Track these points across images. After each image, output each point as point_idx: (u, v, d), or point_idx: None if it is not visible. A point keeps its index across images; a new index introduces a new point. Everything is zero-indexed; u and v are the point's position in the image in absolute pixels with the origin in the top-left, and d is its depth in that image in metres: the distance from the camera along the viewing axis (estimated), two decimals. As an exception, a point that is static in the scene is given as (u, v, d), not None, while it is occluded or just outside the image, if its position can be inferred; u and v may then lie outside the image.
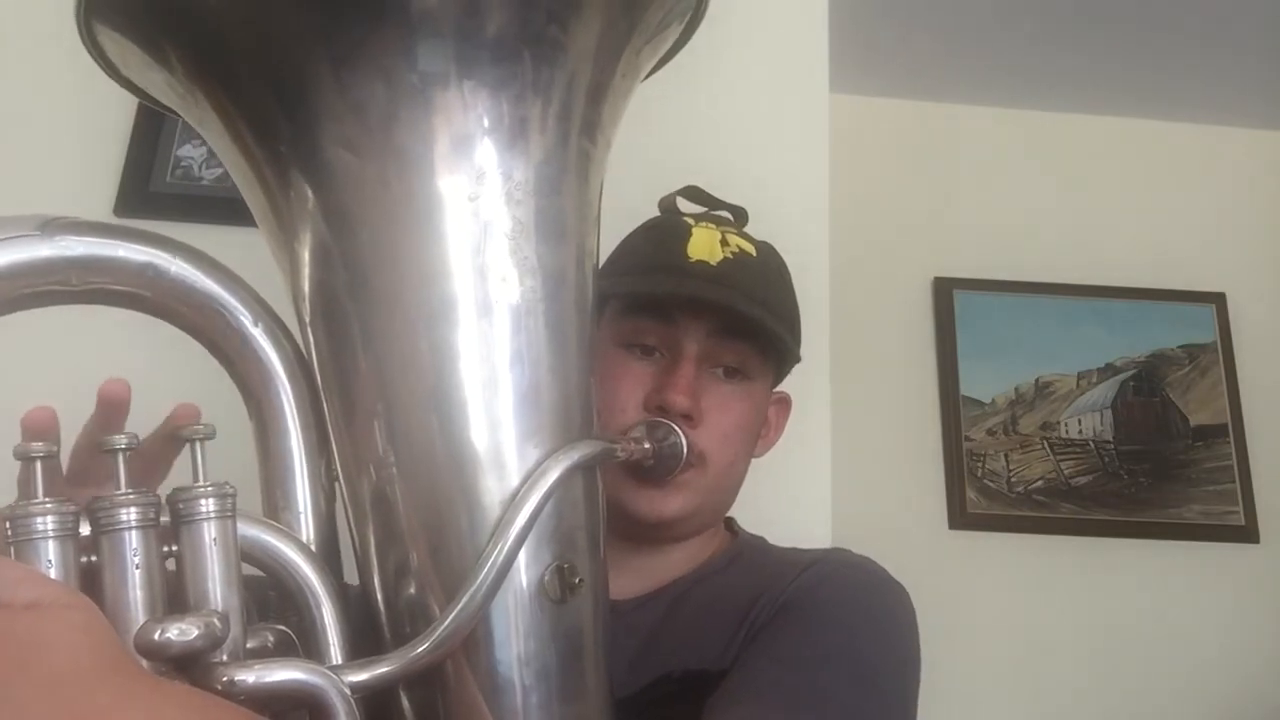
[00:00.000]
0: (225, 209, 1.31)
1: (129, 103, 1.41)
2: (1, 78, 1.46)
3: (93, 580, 0.48)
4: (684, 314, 0.83)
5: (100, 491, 0.54)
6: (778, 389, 0.95)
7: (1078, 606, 2.14)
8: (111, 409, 0.60)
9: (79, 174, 1.41)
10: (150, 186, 1.42)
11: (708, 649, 0.77)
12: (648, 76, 0.71)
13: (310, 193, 0.57)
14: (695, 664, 0.77)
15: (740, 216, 0.96)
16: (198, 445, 0.53)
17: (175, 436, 0.58)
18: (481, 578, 0.54)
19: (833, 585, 0.80)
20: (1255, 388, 2.31)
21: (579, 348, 0.62)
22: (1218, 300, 2.37)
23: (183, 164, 1.44)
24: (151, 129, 1.44)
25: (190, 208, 1.38)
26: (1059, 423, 2.28)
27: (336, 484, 0.61)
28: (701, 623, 0.80)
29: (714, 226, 0.88)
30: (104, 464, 0.55)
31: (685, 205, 0.95)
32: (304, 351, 0.61)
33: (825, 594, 0.78)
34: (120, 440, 0.50)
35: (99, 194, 1.39)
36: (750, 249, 0.88)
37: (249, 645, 0.53)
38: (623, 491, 0.79)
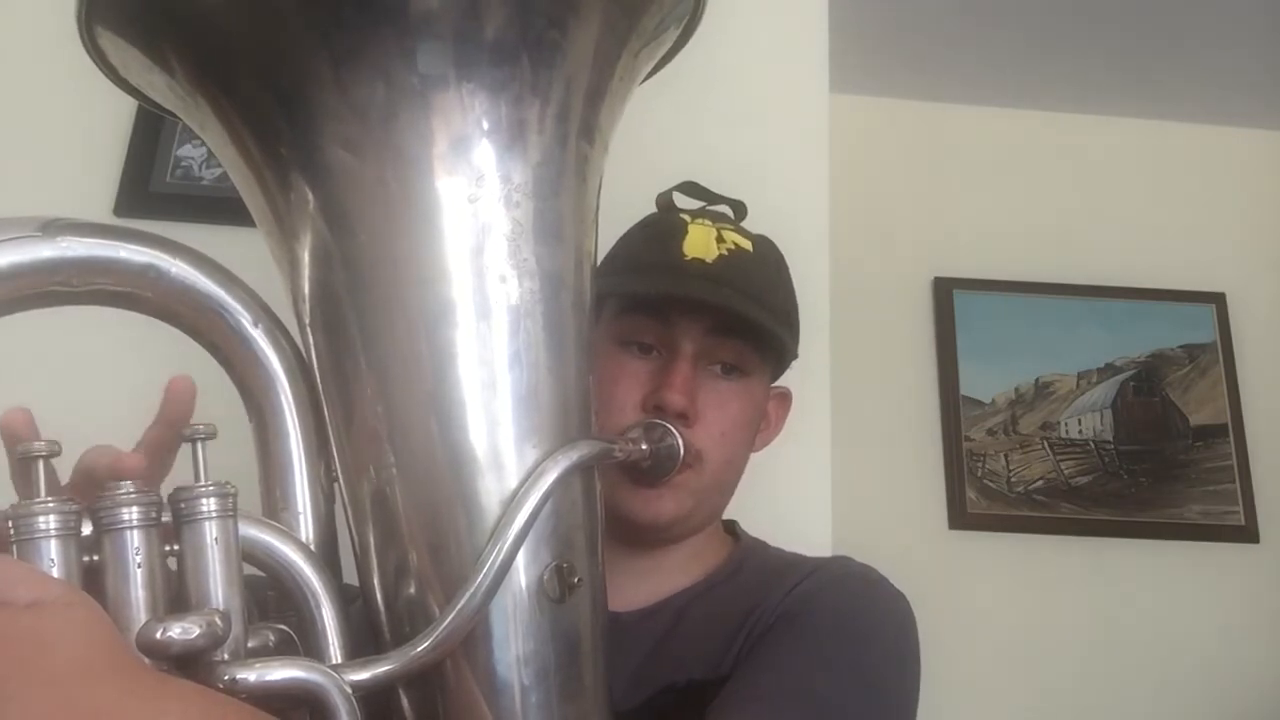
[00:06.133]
0: (225, 209, 1.32)
1: (129, 103, 1.40)
2: (2, 78, 1.46)
3: (95, 579, 0.48)
4: (680, 313, 0.83)
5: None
6: (778, 384, 0.95)
7: (1078, 606, 2.14)
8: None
9: (79, 174, 1.41)
10: (150, 187, 1.42)
11: (710, 659, 0.77)
12: (646, 79, 0.71)
13: (310, 194, 0.58)
14: (699, 675, 0.77)
15: (739, 210, 0.96)
16: (199, 445, 0.53)
17: (176, 434, 0.57)
18: (481, 577, 0.55)
19: (832, 592, 0.80)
20: (1255, 388, 2.32)
21: (577, 349, 0.62)
22: (1218, 300, 2.37)
23: (183, 164, 1.44)
24: (151, 129, 1.44)
25: (190, 208, 1.39)
26: (1059, 423, 2.28)
27: (336, 484, 0.61)
28: (705, 634, 0.80)
29: (710, 223, 0.88)
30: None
31: (683, 200, 0.95)
32: (304, 353, 0.61)
33: (824, 601, 0.78)
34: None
35: (99, 194, 1.39)
36: (747, 244, 0.88)
37: (250, 644, 0.53)
38: (618, 495, 0.79)
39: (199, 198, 1.41)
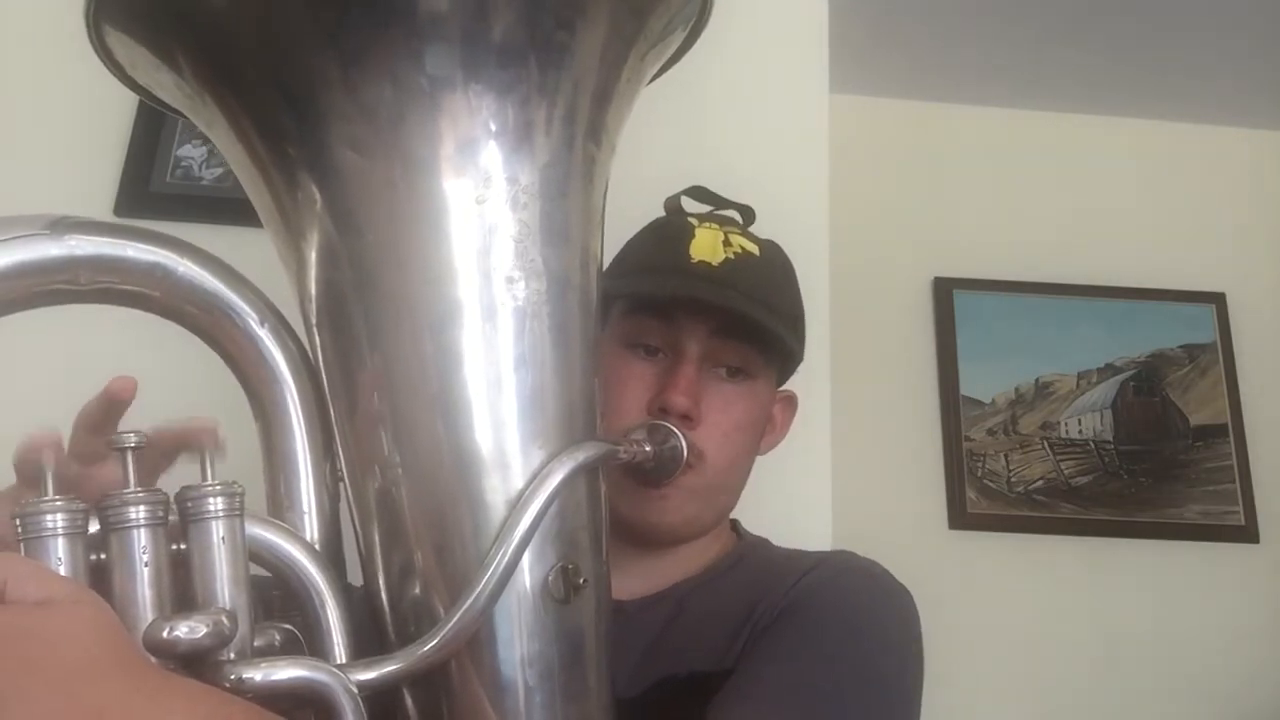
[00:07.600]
0: (225, 209, 1.32)
1: (129, 103, 1.41)
2: (2, 78, 1.46)
3: (102, 577, 0.48)
4: (685, 314, 0.83)
5: (96, 472, 0.55)
6: (784, 388, 0.95)
7: (1078, 606, 2.14)
8: (114, 405, 0.60)
9: (79, 174, 1.41)
10: (150, 186, 1.42)
11: (712, 651, 0.77)
12: (651, 81, 0.72)
13: (318, 195, 0.58)
14: (700, 666, 0.77)
15: (747, 215, 0.96)
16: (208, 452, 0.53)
17: (186, 445, 0.58)
18: (486, 578, 0.55)
19: (835, 587, 0.80)
20: (1255, 388, 2.32)
21: (583, 350, 0.62)
22: (1218, 300, 2.37)
23: (183, 164, 1.44)
24: (151, 129, 1.44)
25: (190, 208, 1.39)
26: (1059, 423, 2.28)
27: (341, 484, 0.61)
28: (706, 625, 0.80)
29: (717, 227, 0.88)
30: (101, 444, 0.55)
31: (692, 205, 0.95)
32: (310, 352, 0.61)
33: (828, 596, 0.79)
34: (130, 438, 0.50)
35: (99, 194, 1.39)
36: (753, 248, 0.88)
37: (256, 644, 0.53)
38: (622, 498, 0.79)
39: (199, 198, 1.41)
